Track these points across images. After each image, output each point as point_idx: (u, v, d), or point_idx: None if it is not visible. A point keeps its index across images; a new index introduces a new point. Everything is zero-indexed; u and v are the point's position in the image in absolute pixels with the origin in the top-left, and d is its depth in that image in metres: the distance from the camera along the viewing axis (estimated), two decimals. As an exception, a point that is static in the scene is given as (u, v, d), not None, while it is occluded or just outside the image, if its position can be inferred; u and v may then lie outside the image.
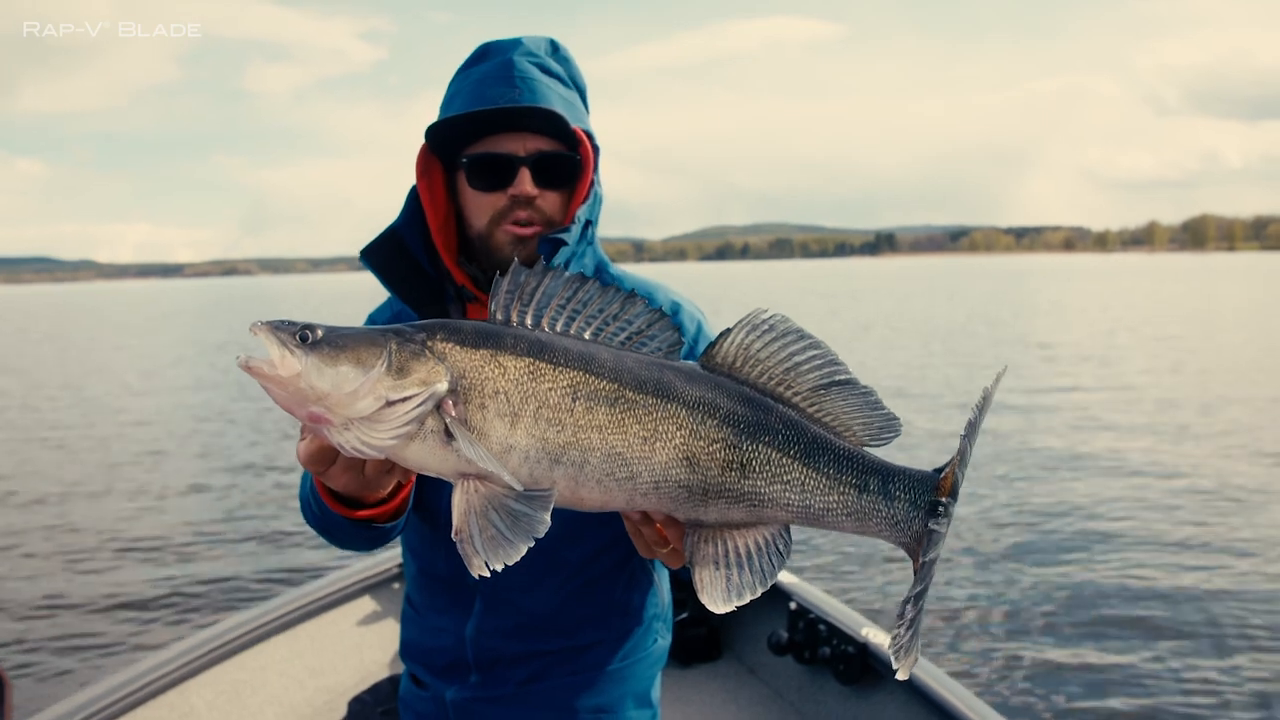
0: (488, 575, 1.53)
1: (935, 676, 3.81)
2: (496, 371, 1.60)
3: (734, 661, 4.92)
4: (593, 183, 2.62)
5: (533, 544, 1.55)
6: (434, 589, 2.74)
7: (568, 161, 2.56)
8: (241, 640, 4.07)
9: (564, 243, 2.51)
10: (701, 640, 4.99)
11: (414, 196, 2.65)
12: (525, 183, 2.50)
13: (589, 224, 2.63)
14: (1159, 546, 10.01)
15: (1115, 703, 6.83)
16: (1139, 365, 24.68)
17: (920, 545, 1.62)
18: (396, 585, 4.90)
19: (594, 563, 2.58)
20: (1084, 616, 8.30)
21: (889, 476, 1.64)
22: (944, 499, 1.61)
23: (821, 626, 4.31)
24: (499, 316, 1.67)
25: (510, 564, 1.53)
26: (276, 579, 9.45)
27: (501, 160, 2.51)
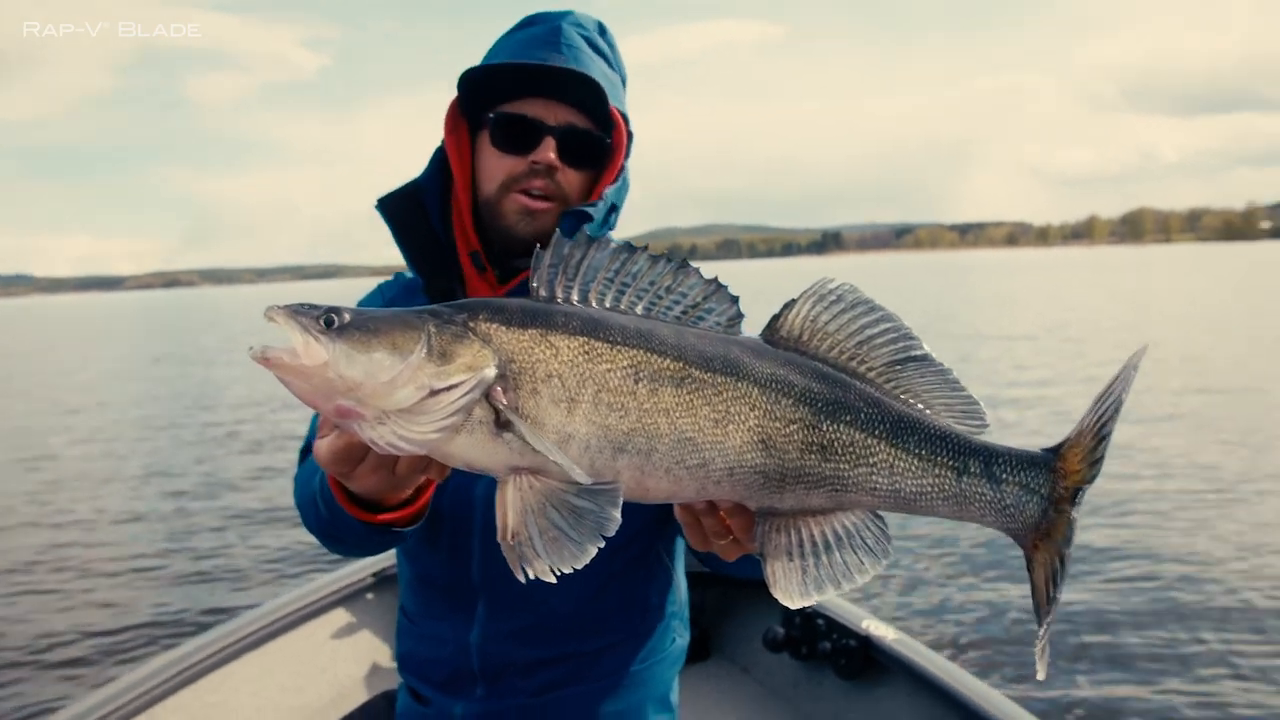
0: (554, 580, 1.36)
1: (941, 666, 3.71)
2: (548, 353, 1.44)
3: (725, 662, 4.75)
4: (623, 167, 2.47)
5: (602, 544, 1.39)
6: (431, 595, 2.55)
7: (596, 140, 2.41)
8: (209, 661, 3.84)
9: (589, 217, 2.35)
10: (690, 641, 4.77)
11: (437, 157, 2.51)
12: (549, 151, 2.35)
13: (614, 208, 2.48)
14: (1137, 530, 10.05)
15: (1124, 690, 6.79)
16: (1099, 355, 24.89)
17: (1035, 533, 1.49)
18: (370, 595, 4.70)
19: (614, 558, 2.36)
20: (1082, 606, 8.27)
21: (992, 457, 1.49)
22: (1064, 484, 1.47)
23: (820, 621, 4.17)
24: (542, 293, 1.51)
25: (579, 567, 1.37)
26: (233, 601, 9.05)
27: (529, 124, 2.36)
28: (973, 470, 1.48)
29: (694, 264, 1.55)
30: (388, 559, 4.73)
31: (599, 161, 2.44)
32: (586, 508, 1.40)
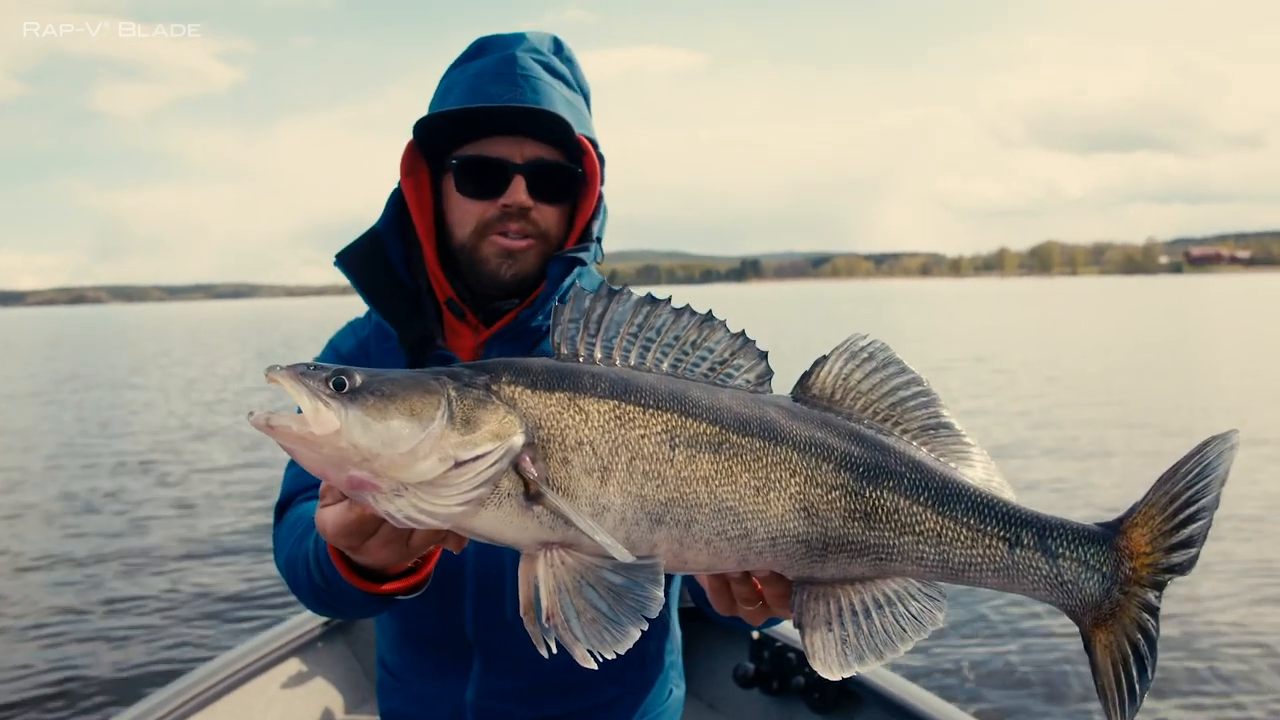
0: (595, 667, 1.27)
1: (919, 697, 3.64)
2: (578, 418, 1.35)
3: (692, 699, 4.65)
4: (601, 195, 2.38)
5: (646, 626, 1.30)
6: (421, 651, 2.42)
7: (567, 173, 2.31)
8: None
9: (581, 262, 2.27)
10: None
11: (394, 200, 2.38)
12: (519, 192, 2.24)
13: (598, 240, 2.39)
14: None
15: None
16: (1031, 388, 25.30)
17: (1095, 613, 1.42)
18: (321, 645, 4.50)
19: None
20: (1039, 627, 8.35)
21: (1046, 529, 1.42)
22: (1131, 564, 1.40)
23: (790, 654, 4.08)
24: (564, 350, 1.42)
25: (620, 652, 1.27)
26: (161, 656, 8.58)
27: (494, 165, 2.25)
28: (1026, 542, 1.42)
29: (720, 317, 1.48)
30: None
31: (572, 192, 2.35)
32: (625, 585, 1.31)
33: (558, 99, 2.27)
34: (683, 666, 2.70)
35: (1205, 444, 1.38)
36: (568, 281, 2.28)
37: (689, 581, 2.09)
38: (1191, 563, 1.39)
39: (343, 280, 2.47)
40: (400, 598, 1.91)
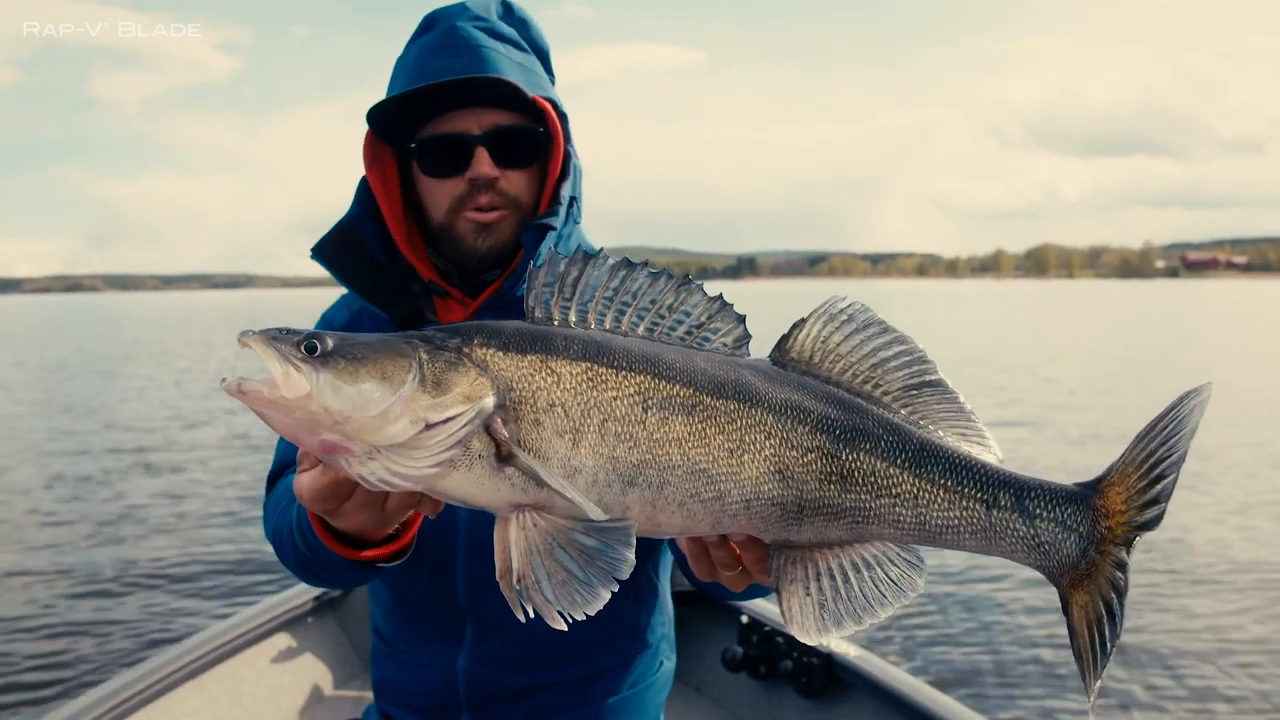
0: (565, 627, 1.26)
1: (906, 682, 3.65)
2: (550, 380, 1.34)
3: (678, 684, 4.66)
4: (569, 154, 2.35)
5: (616, 588, 1.29)
6: (414, 619, 2.43)
7: (529, 135, 2.29)
8: (146, 693, 3.60)
9: (551, 228, 2.25)
10: None
11: (363, 189, 2.36)
12: (483, 164, 2.23)
13: (573, 201, 2.37)
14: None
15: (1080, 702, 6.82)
16: (1029, 388, 25.32)
17: (1072, 574, 1.41)
18: (311, 620, 4.51)
19: None
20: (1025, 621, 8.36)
21: (1024, 490, 1.41)
22: (1107, 523, 1.39)
23: (779, 639, 4.09)
24: (538, 314, 1.42)
25: (590, 614, 1.27)
26: (154, 625, 8.60)
27: (454, 141, 2.24)
28: (1003, 503, 1.40)
29: (697, 281, 1.48)
30: None
31: (539, 153, 2.32)
32: (597, 548, 1.30)
33: (504, 63, 2.25)
34: (675, 649, 2.71)
35: (1180, 399, 1.37)
36: (544, 246, 2.25)
37: (673, 548, 2.09)
38: (1160, 518, 1.39)
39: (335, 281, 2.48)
40: (383, 565, 1.90)
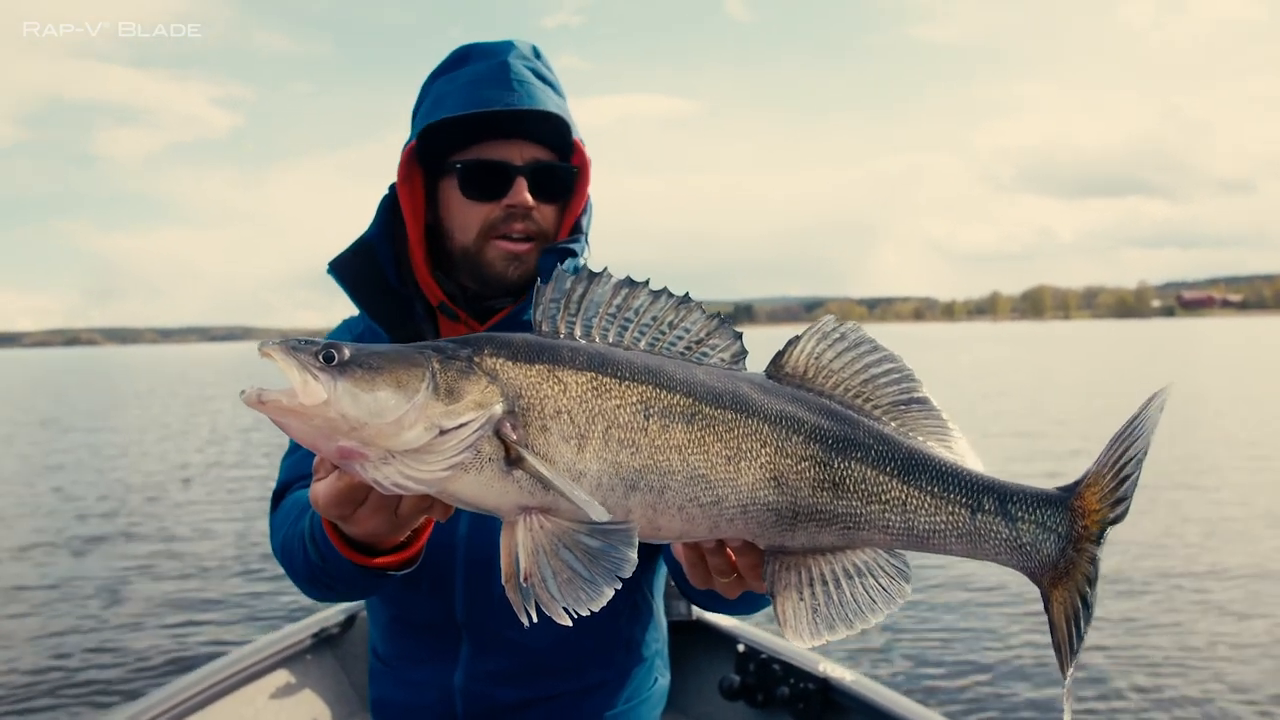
0: (569, 623, 1.32)
1: (904, 705, 3.67)
2: (557, 388, 1.41)
3: (676, 713, 4.65)
4: (587, 195, 2.47)
5: (619, 585, 1.35)
6: (412, 636, 2.47)
7: (566, 173, 2.41)
8: None
9: (572, 253, 2.36)
10: None
11: (385, 207, 2.45)
12: (522, 192, 2.33)
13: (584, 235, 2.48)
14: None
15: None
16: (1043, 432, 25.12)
17: (1052, 572, 1.48)
18: (310, 656, 4.52)
19: None
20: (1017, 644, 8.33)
21: (1006, 495, 1.48)
22: (1083, 523, 1.46)
23: (775, 666, 4.11)
24: (544, 328, 1.49)
25: (595, 609, 1.33)
26: (134, 678, 8.57)
27: (498, 168, 2.34)
28: (987, 507, 1.47)
29: (696, 300, 1.55)
30: (328, 619, 4.61)
31: (569, 192, 2.43)
32: (601, 548, 1.36)
33: (551, 102, 2.36)
34: (669, 665, 2.75)
35: (1144, 404, 1.44)
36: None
37: (669, 560, 2.14)
38: (1127, 511, 1.46)
39: (337, 323, 2.57)
40: (393, 573, 1.96)
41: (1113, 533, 1.47)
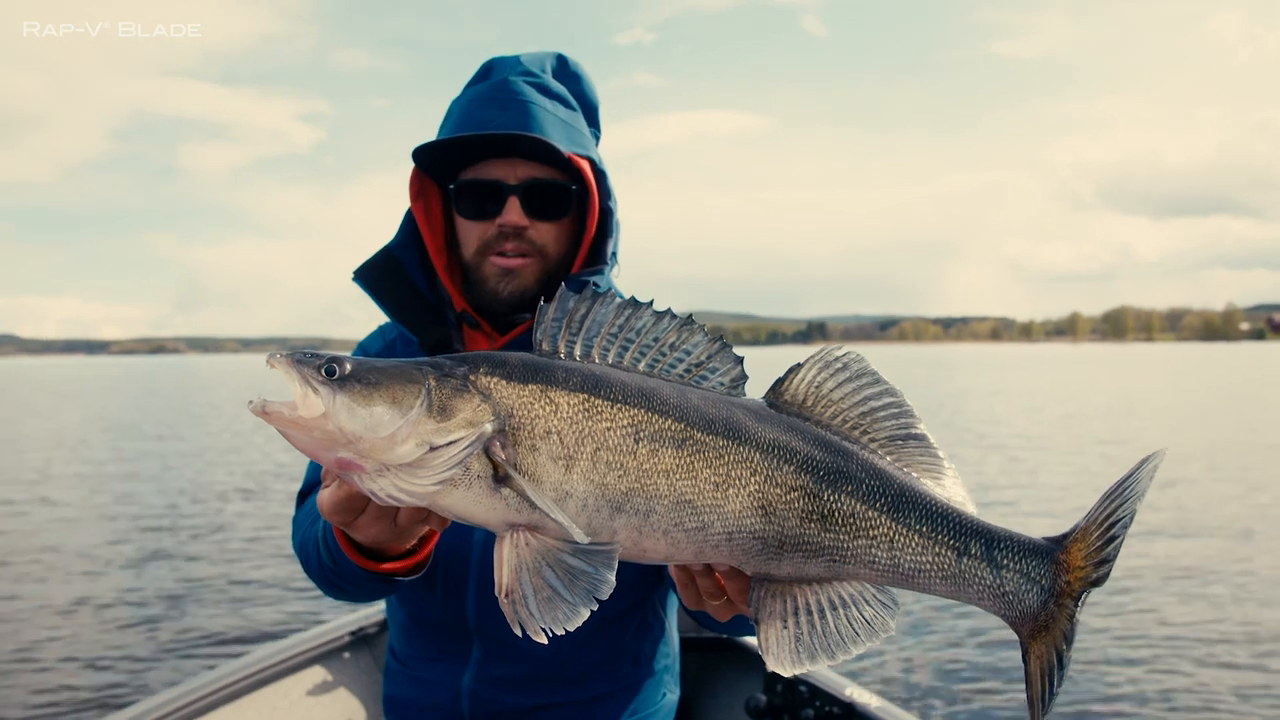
0: (545, 641, 1.34)
1: None
2: (548, 409, 1.43)
3: None
4: (610, 211, 2.47)
5: (595, 607, 1.37)
6: (426, 637, 2.51)
7: (561, 190, 2.41)
8: (181, 714, 3.70)
9: (593, 285, 2.36)
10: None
11: (409, 219, 2.52)
12: (513, 212, 2.36)
13: (612, 254, 2.49)
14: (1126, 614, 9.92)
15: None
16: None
17: (1032, 623, 1.47)
18: (348, 654, 4.57)
19: (604, 606, 2.41)
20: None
21: (993, 541, 1.47)
22: (1067, 578, 1.45)
23: (802, 688, 4.07)
24: (544, 347, 1.51)
25: (570, 629, 1.35)
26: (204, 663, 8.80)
27: (489, 188, 2.38)
28: (973, 552, 1.46)
29: (699, 322, 1.55)
30: (367, 618, 4.66)
31: (569, 209, 2.43)
32: (582, 568, 1.38)
33: (548, 120, 2.37)
34: (679, 682, 2.76)
35: (1141, 464, 1.43)
36: None
37: (670, 579, 2.15)
38: (1109, 574, 1.44)
39: (374, 329, 2.63)
40: (401, 579, 2.01)
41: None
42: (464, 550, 2.35)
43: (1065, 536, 1.47)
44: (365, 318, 2.47)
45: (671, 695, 2.65)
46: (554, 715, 2.43)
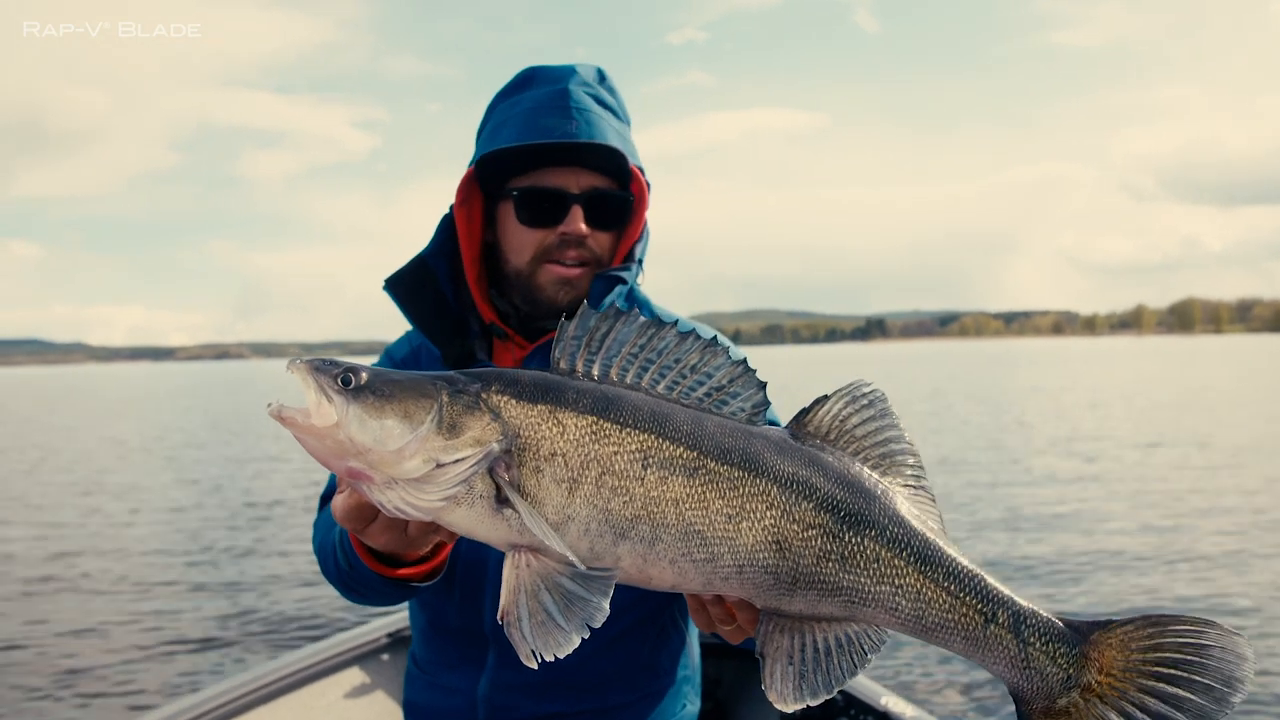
0: (535, 666, 1.32)
1: None
2: (555, 430, 1.40)
3: None
4: (644, 222, 2.47)
5: (588, 634, 1.34)
6: (444, 642, 2.51)
7: (622, 201, 2.42)
8: (223, 710, 3.75)
9: (622, 280, 2.36)
10: (704, 716, 4.68)
11: (444, 227, 2.50)
12: (578, 221, 2.35)
13: (639, 262, 2.48)
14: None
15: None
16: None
17: (1043, 702, 1.44)
18: (385, 656, 4.59)
19: (621, 616, 2.31)
20: None
21: (1021, 615, 1.44)
22: (1097, 678, 1.41)
23: (838, 696, 4.03)
24: (562, 365, 1.48)
25: (560, 656, 1.32)
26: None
27: (554, 195, 2.36)
28: (1000, 621, 1.43)
29: (727, 342, 1.52)
30: (404, 620, 4.67)
31: (625, 219, 2.44)
32: (579, 594, 1.35)
33: (609, 131, 2.37)
34: (699, 693, 2.71)
35: (1205, 626, 1.38)
36: (608, 300, 2.35)
37: None
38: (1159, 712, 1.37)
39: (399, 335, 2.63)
40: (416, 584, 2.01)
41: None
42: (482, 556, 2.35)
43: (1092, 628, 1.44)
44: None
45: (692, 706, 2.61)
46: None
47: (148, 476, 23.91)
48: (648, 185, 2.47)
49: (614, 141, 2.34)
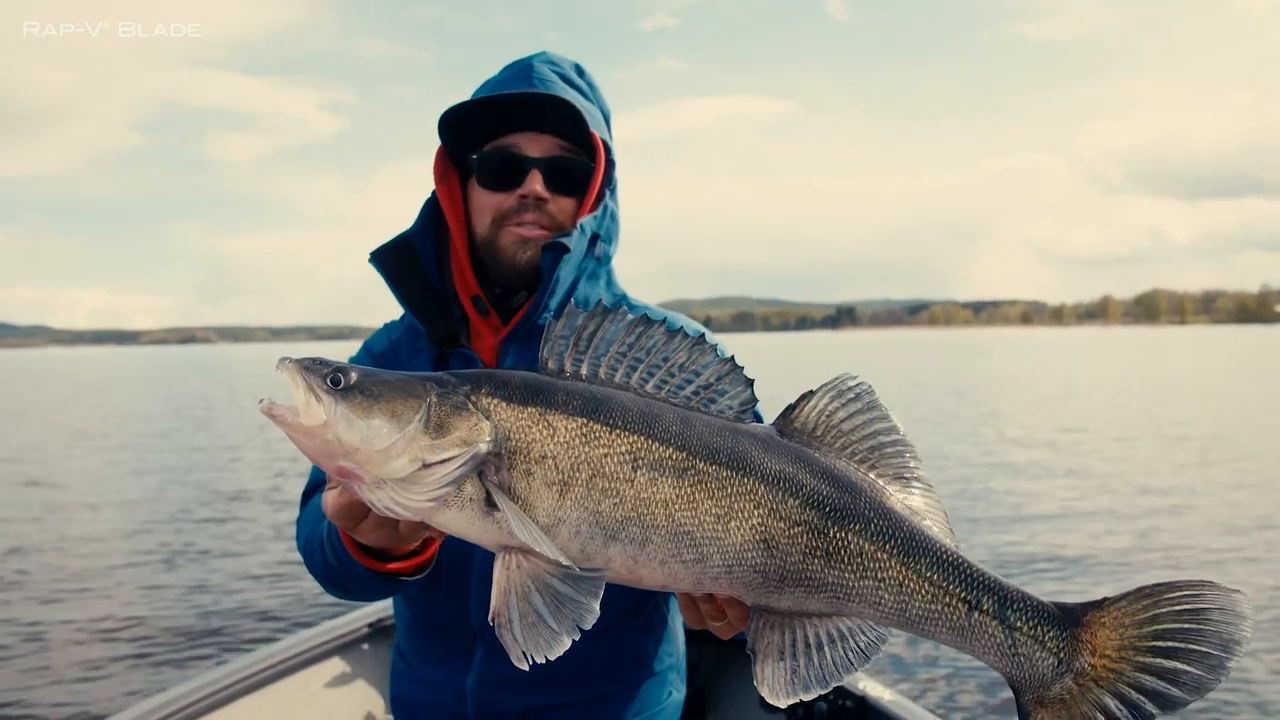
0: (526, 668, 1.32)
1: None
2: (545, 432, 1.40)
3: None
4: (601, 195, 2.45)
5: (578, 635, 1.35)
6: (430, 637, 2.50)
7: (583, 167, 2.41)
8: (201, 705, 3.73)
9: (565, 248, 2.32)
10: (685, 701, 4.66)
11: (428, 207, 2.50)
12: (536, 183, 2.35)
13: (596, 238, 2.45)
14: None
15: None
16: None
17: (1038, 690, 1.42)
18: (366, 646, 4.59)
19: (608, 607, 2.40)
20: None
21: (1007, 600, 1.43)
22: (1090, 660, 1.39)
23: None
24: (551, 364, 1.49)
25: (552, 658, 1.33)
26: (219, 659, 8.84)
27: (513, 158, 2.37)
28: (985, 608, 1.42)
29: (715, 339, 1.52)
30: (385, 610, 4.67)
31: (589, 186, 2.43)
32: (569, 595, 1.35)
33: (569, 92, 2.37)
34: (685, 680, 2.72)
35: (1202, 587, 1.36)
36: (561, 271, 2.34)
37: None
38: (1165, 704, 1.36)
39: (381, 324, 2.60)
40: (406, 579, 2.00)
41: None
42: (466, 550, 2.33)
43: (1085, 609, 1.42)
44: (393, 305, 2.49)
45: (677, 694, 2.62)
46: (557, 716, 2.41)
47: (112, 460, 23.68)
48: (611, 162, 2.47)
49: (571, 98, 2.34)
